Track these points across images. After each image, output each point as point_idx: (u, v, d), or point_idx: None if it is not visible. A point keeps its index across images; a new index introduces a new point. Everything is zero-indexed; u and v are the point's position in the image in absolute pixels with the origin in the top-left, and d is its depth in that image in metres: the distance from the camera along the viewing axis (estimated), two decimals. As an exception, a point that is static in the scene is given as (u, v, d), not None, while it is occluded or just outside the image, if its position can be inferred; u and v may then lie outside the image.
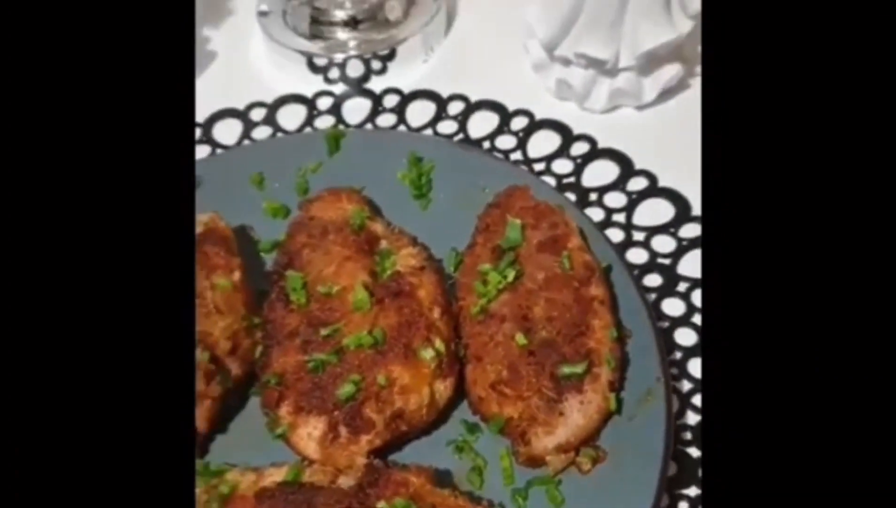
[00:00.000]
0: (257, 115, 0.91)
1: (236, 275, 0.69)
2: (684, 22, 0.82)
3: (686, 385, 0.68)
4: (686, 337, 0.71)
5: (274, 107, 0.92)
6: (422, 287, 0.67)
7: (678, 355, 0.70)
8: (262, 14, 0.97)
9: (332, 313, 0.65)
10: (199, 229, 0.71)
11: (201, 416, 0.63)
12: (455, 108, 0.91)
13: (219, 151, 0.87)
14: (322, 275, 0.67)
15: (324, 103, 0.92)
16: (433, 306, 0.66)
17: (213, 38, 1.01)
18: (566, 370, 0.61)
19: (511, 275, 0.66)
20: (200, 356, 0.63)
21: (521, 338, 0.63)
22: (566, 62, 0.86)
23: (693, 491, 0.63)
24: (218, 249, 0.69)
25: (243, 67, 0.98)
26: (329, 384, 0.62)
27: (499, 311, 0.65)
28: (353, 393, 0.61)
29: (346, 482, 0.57)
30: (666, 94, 0.88)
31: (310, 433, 0.61)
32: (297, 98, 0.93)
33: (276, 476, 0.58)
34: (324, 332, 0.64)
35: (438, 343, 0.63)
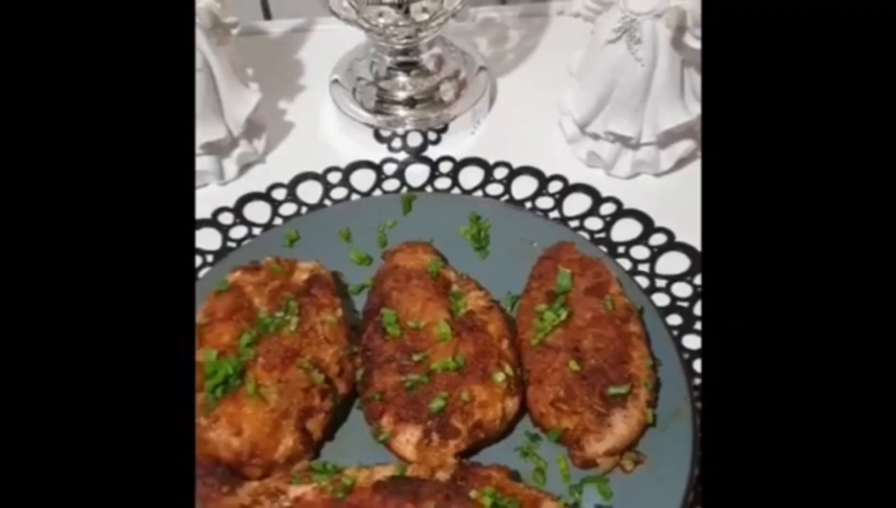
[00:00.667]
0: (334, 177, 1.07)
1: (339, 312, 0.84)
2: (695, 106, 0.99)
3: (704, 405, 0.84)
4: (702, 366, 0.87)
5: (348, 171, 1.08)
6: (491, 323, 0.82)
7: (697, 381, 0.86)
8: (335, 90, 1.13)
9: (421, 342, 0.81)
10: (305, 275, 0.87)
11: (317, 426, 0.78)
12: (500, 173, 1.07)
13: (303, 208, 1.04)
14: (410, 312, 0.83)
15: (389, 169, 1.08)
16: (502, 338, 0.82)
17: (289, 110, 1.17)
18: (613, 390, 0.76)
19: (563, 314, 0.82)
20: (317, 377, 0.79)
21: (573, 365, 0.78)
22: (596, 137, 1.03)
23: (712, 489, 0.78)
24: (324, 291, 0.85)
25: (318, 135, 1.14)
26: (423, 399, 0.77)
27: (554, 343, 0.81)
28: (443, 407, 0.76)
29: (442, 476, 0.72)
30: (680, 164, 1.05)
31: (408, 439, 0.76)
32: (367, 164, 1.09)
33: (384, 472, 0.74)
34: (416, 358, 0.79)
35: (507, 368, 0.79)
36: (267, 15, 1.33)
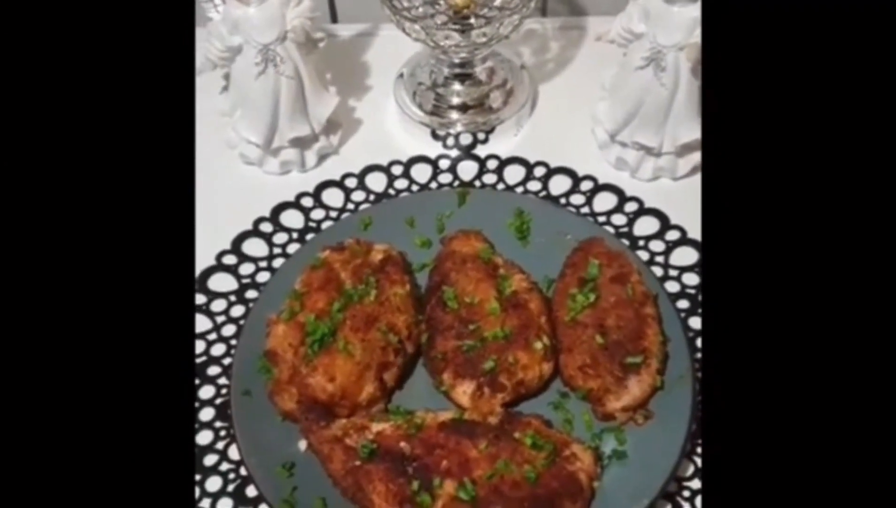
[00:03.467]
0: (396, 170, 1.25)
1: (407, 287, 1.03)
2: (709, 123, 1.17)
3: (703, 375, 1.03)
4: (703, 343, 1.06)
5: (408, 164, 1.26)
6: (532, 302, 1.01)
7: (700, 355, 1.05)
8: (398, 92, 1.30)
9: (475, 315, 0.99)
10: (380, 255, 1.05)
11: (391, 377, 0.97)
12: (539, 171, 1.24)
13: (371, 195, 1.22)
14: (465, 290, 1.01)
15: (444, 164, 1.26)
16: (540, 314, 1.00)
17: (357, 108, 1.35)
18: (630, 360, 0.95)
19: (592, 297, 1.00)
20: (391, 338, 0.97)
21: (598, 338, 0.97)
22: (623, 145, 1.21)
23: (706, 442, 0.97)
24: (395, 268, 1.04)
25: (383, 132, 1.32)
26: (476, 360, 0.96)
27: (583, 320, 0.99)
28: (493, 367, 0.95)
29: (492, 420, 0.92)
30: (694, 170, 1.23)
31: (464, 391, 0.95)
32: (425, 159, 1.27)
33: (447, 415, 0.93)
34: (471, 327, 0.98)
35: (545, 339, 0.98)
36: (334, 18, 1.51)
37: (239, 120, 1.20)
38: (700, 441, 0.97)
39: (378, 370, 0.96)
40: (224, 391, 1.02)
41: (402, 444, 0.89)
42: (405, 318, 1.00)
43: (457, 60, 1.24)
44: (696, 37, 1.08)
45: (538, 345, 0.97)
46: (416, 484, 0.86)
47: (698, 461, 0.96)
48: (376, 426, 0.91)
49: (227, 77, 1.21)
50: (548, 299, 1.04)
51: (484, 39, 1.16)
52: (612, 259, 1.03)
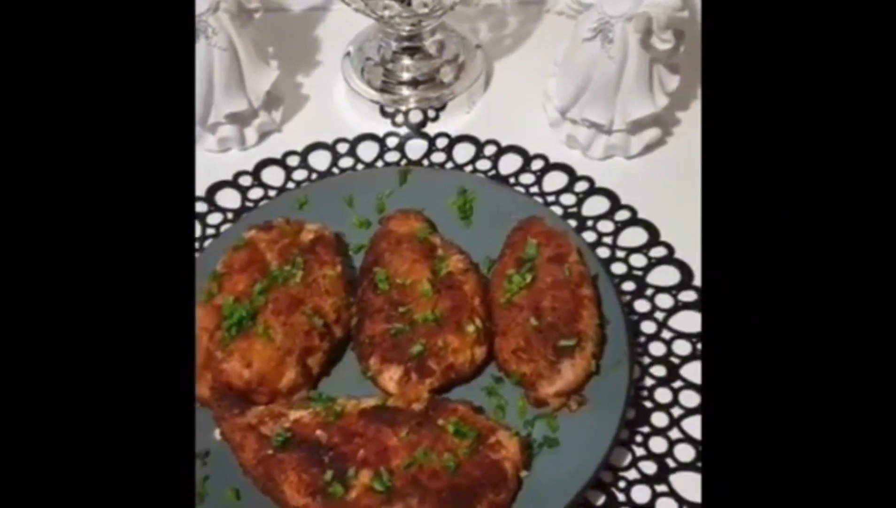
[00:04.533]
0: (342, 148, 1.21)
1: (338, 268, 0.99)
2: (662, 98, 1.12)
3: (646, 360, 0.98)
4: (648, 327, 1.01)
5: (354, 142, 1.22)
6: (467, 283, 0.97)
7: (642, 338, 1.00)
8: (346, 68, 1.26)
9: (406, 297, 0.95)
10: (311, 235, 1.01)
11: (315, 362, 0.93)
12: (489, 150, 1.20)
13: (313, 174, 1.18)
14: (398, 271, 0.97)
15: (391, 142, 1.22)
16: (475, 296, 0.96)
17: (304, 84, 1.30)
18: (563, 343, 0.90)
19: (528, 278, 0.95)
20: (317, 322, 0.93)
21: (533, 321, 0.92)
22: (574, 122, 1.16)
23: (645, 429, 0.93)
24: (326, 249, 1.00)
25: (329, 108, 1.27)
26: (405, 344, 0.92)
27: (519, 302, 0.95)
28: (421, 351, 0.91)
29: (416, 407, 0.88)
30: (647, 149, 1.18)
31: (391, 376, 0.91)
32: (372, 136, 1.22)
33: (369, 402, 0.89)
34: (401, 310, 0.94)
35: (478, 322, 0.94)
36: (289, -7, 1.46)
37: (175, 96, 1.15)
38: (639, 429, 0.93)
39: (301, 356, 0.92)
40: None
41: (319, 432, 0.85)
42: (334, 301, 0.96)
43: (403, 33, 1.20)
44: (644, 6, 1.03)
45: (470, 328, 0.93)
46: (329, 474, 0.82)
47: (637, 450, 0.92)
48: (294, 414, 0.87)
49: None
50: (485, 281, 1.00)
51: (426, 10, 1.11)
52: (551, 239, 0.99)
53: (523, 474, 0.85)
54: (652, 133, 1.16)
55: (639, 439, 0.93)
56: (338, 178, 1.14)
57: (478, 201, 1.08)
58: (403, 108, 1.22)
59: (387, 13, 1.11)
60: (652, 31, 1.04)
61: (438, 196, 1.08)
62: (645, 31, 1.04)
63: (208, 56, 1.10)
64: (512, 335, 0.93)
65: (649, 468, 0.91)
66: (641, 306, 1.03)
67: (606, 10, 1.05)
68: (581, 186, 1.15)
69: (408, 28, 1.18)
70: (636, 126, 1.14)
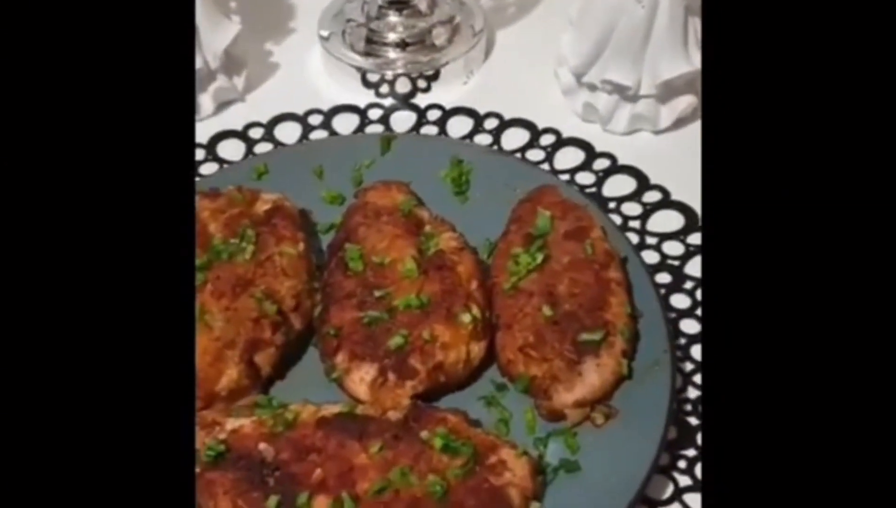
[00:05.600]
0: (315, 120, 1.02)
1: (301, 246, 0.79)
2: (699, 58, 0.93)
3: (689, 366, 0.78)
4: (690, 327, 0.81)
5: (330, 114, 1.03)
6: (461, 264, 0.77)
7: (683, 341, 0.80)
8: (323, 35, 1.08)
9: (385, 279, 0.75)
10: (267, 205, 0.81)
11: (266, 360, 0.73)
12: (490, 123, 1.01)
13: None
14: (376, 248, 0.77)
15: (374, 114, 1.03)
16: (471, 279, 0.76)
17: (275, 52, 1.12)
18: (585, 336, 0.70)
19: (539, 258, 0.76)
20: (269, 308, 0.73)
21: (546, 310, 0.72)
22: (592, 88, 0.97)
23: (691, 453, 0.72)
24: (286, 222, 0.80)
25: (303, 79, 1.08)
26: (381, 336, 0.71)
27: (528, 288, 0.75)
28: (402, 344, 0.71)
29: (393, 415, 0.67)
30: (680, 122, 0.99)
31: (362, 377, 0.71)
32: (351, 108, 1.03)
33: (332, 410, 0.68)
34: (377, 294, 0.74)
35: (475, 310, 0.73)
36: (263, -40, 1.28)
37: (116, 51, 0.96)
38: (683, 453, 0.72)
39: (246, 350, 0.71)
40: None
41: (263, 446, 0.64)
42: (293, 284, 0.76)
43: (389, -20, 1.01)
44: (681, -64, 0.85)
45: (465, 317, 0.72)
46: (273, 501, 0.61)
47: (680, 479, 0.71)
48: (232, 423, 0.66)
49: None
50: (484, 265, 0.79)
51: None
52: (568, 211, 0.79)
53: (534, 506, 0.64)
54: (686, 101, 0.97)
55: (682, 465, 0.72)
56: (305, 144, 0.95)
57: (475, 172, 0.88)
58: (389, 73, 1.03)
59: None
60: (690, -33, 0.86)
61: (428, 167, 0.89)
62: (682, -33, 0.86)
63: (155, 0, 0.91)
64: (518, 329, 0.73)
65: (695, 501, 0.70)
66: (679, 301, 0.83)
67: (634, -56, 0.87)
68: (601, 164, 0.96)
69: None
70: (668, 91, 0.95)
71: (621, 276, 0.75)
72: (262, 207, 0.81)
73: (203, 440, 0.65)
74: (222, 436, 0.65)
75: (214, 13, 0.97)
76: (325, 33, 1.08)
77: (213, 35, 0.97)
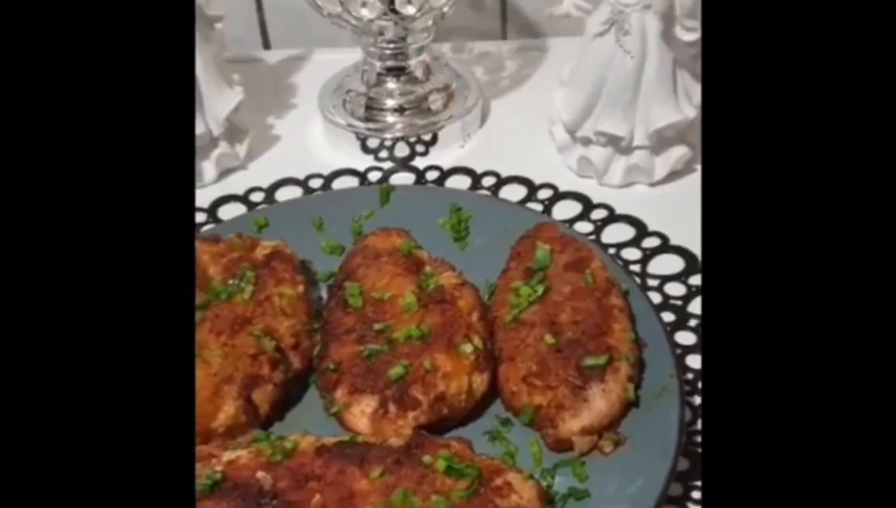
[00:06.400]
0: (315, 183, 1.04)
1: (300, 288, 0.79)
2: (689, 109, 0.95)
3: (697, 400, 0.76)
4: (697, 362, 0.79)
5: (330, 178, 1.04)
6: (462, 298, 0.76)
7: (690, 376, 0.78)
8: (324, 101, 1.11)
9: (385, 314, 0.74)
10: (266, 250, 0.81)
11: (264, 398, 0.71)
12: (488, 181, 1.02)
13: (280, 210, 0.99)
14: (375, 285, 0.77)
15: (374, 176, 1.04)
16: (472, 311, 0.75)
17: (276, 125, 1.14)
18: (590, 361, 0.69)
19: (540, 290, 0.75)
20: (267, 345, 0.72)
21: (549, 338, 0.71)
22: (587, 142, 0.99)
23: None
24: (285, 265, 0.79)
25: (304, 147, 1.10)
26: (381, 367, 0.70)
27: (529, 319, 0.74)
28: (403, 375, 0.69)
29: (395, 443, 0.65)
30: (674, 174, 1.00)
31: (363, 410, 0.69)
32: (351, 171, 1.05)
33: (332, 440, 0.66)
34: (377, 327, 0.73)
35: (476, 340, 0.72)
36: (266, 45, 1.34)
37: (121, 119, 0.99)
38: (695, 483, 0.69)
39: (244, 387, 0.70)
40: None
41: (260, 474, 0.62)
42: (292, 324, 0.75)
43: (388, 52, 1.05)
44: (665, -11, 0.88)
45: (467, 348, 0.71)
46: (270, 527, 0.58)
47: (694, 509, 0.68)
48: (229, 455, 0.64)
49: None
50: (484, 303, 0.79)
51: (412, 10, 0.96)
52: (567, 244, 0.79)
53: (543, 532, 0.61)
54: (679, 152, 0.98)
55: (696, 495, 0.69)
56: (305, 198, 0.96)
57: (474, 219, 0.89)
58: (388, 136, 1.06)
59: (365, 14, 0.96)
60: (674, 19, 0.89)
61: (427, 216, 0.89)
62: (666, 18, 0.89)
63: (159, 67, 0.95)
64: (521, 359, 0.71)
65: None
66: (684, 338, 0.82)
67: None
68: (599, 214, 0.97)
69: (392, 45, 1.04)
70: (660, 142, 0.97)
71: (622, 302, 0.74)
72: (261, 252, 0.81)
73: (199, 472, 0.62)
74: (218, 468, 0.63)
75: (217, 81, 1.00)
76: (325, 104, 1.10)
77: (216, 102, 1.00)
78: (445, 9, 0.99)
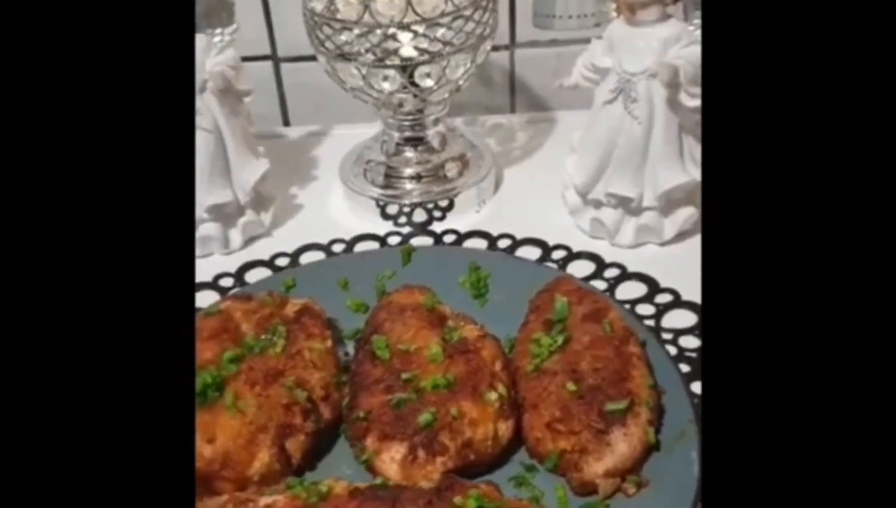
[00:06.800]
0: (338, 248, 1.08)
1: (328, 342, 0.82)
2: (695, 170, 1.00)
3: (715, 446, 0.78)
4: (713, 411, 0.82)
5: (352, 242, 1.08)
6: (484, 349, 0.79)
7: (706, 423, 0.80)
8: (344, 171, 1.16)
9: (411, 364, 0.77)
10: (296, 307, 0.85)
11: (296, 447, 0.74)
12: (503, 243, 1.06)
13: (303, 274, 1.03)
14: (402, 338, 0.80)
15: (393, 240, 1.08)
16: (495, 361, 0.78)
17: (298, 194, 1.19)
18: (611, 406, 0.72)
19: (560, 339, 0.78)
20: (299, 395, 0.75)
21: (571, 386, 0.74)
22: (598, 204, 1.03)
23: (726, 525, 0.71)
24: (314, 321, 0.83)
25: (325, 215, 1.15)
26: (409, 415, 0.72)
27: (551, 368, 0.77)
28: (431, 421, 0.72)
29: (425, 485, 0.67)
30: (683, 234, 1.04)
31: (392, 457, 0.71)
32: (372, 236, 1.09)
33: (365, 484, 0.68)
34: (404, 377, 0.76)
35: (501, 388, 0.75)
36: (286, 122, 1.40)
37: (152, 189, 1.03)
38: None
39: (278, 435, 0.72)
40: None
41: (297, 515, 0.64)
42: (322, 376, 0.78)
43: (406, 123, 1.10)
44: (669, 57, 0.94)
45: (492, 395, 0.74)
46: (308, 565, 0.60)
47: (718, 552, 0.69)
48: (266, 500, 0.66)
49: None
50: (506, 354, 0.82)
51: (431, 82, 1.02)
52: (584, 296, 0.82)
53: (572, 571, 0.63)
54: (686, 213, 1.02)
55: None
56: (330, 260, 1.00)
57: (493, 277, 0.93)
58: (407, 201, 1.10)
59: (387, 87, 1.02)
60: (679, 85, 0.94)
61: (448, 275, 0.93)
62: (671, 84, 0.94)
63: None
64: (544, 406, 0.74)
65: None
66: (699, 387, 0.84)
67: (627, 68, 0.96)
68: (611, 273, 1.00)
69: (410, 117, 1.09)
70: (669, 203, 1.01)
71: (640, 351, 0.77)
72: (291, 308, 0.84)
73: (236, 516, 0.64)
74: (256, 511, 0.65)
75: (245, 151, 1.05)
76: (346, 174, 1.15)
77: (243, 171, 1.05)
78: (461, 81, 1.05)
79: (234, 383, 0.74)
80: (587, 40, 1.02)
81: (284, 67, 1.37)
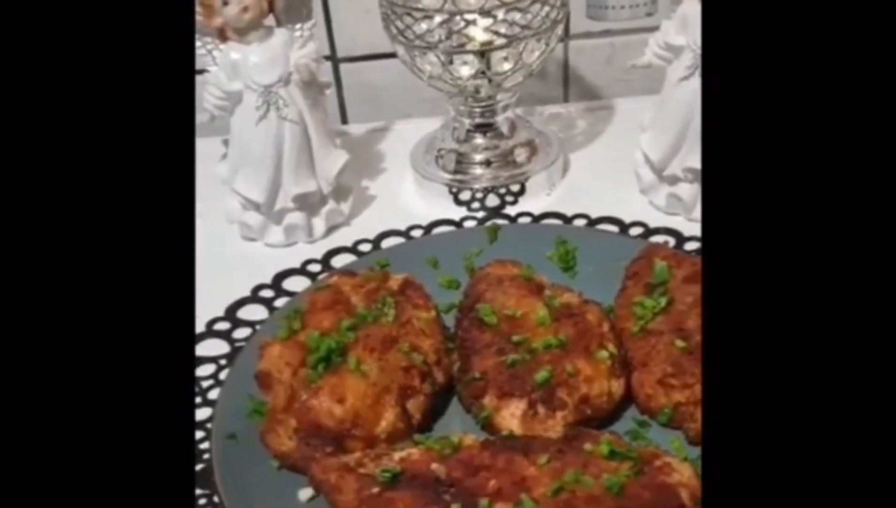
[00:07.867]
0: (416, 233, 1.10)
1: (433, 313, 0.84)
2: (769, 143, 1.03)
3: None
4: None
5: (429, 228, 1.11)
6: (589, 313, 0.81)
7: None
8: (415, 159, 1.19)
9: (519, 328, 0.80)
10: (399, 281, 0.88)
11: (416, 407, 0.76)
12: (579, 222, 1.09)
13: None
14: (506, 305, 0.83)
15: (469, 224, 1.11)
16: (601, 323, 0.80)
17: (371, 186, 1.22)
18: (723, 358, 0.74)
19: (663, 302, 0.80)
20: (416, 358, 0.77)
21: (679, 343, 0.76)
22: (674, 181, 1.06)
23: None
24: (418, 293, 0.86)
25: (400, 204, 1.18)
26: (525, 374, 0.75)
27: (656, 328, 0.79)
28: (548, 378, 0.74)
29: (553, 435, 0.69)
30: (759, 206, 1.07)
31: (512, 413, 0.73)
32: (448, 221, 1.12)
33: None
34: (515, 339, 0.78)
35: (611, 347, 0.77)
36: (344, 120, 1.43)
37: (239, 181, 1.07)
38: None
39: (400, 396, 0.75)
40: (206, 455, 0.80)
41: (435, 465, 0.66)
42: (432, 342, 0.81)
43: (478, 110, 1.13)
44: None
45: (603, 354, 0.76)
46: (456, 508, 0.62)
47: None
48: (400, 453, 0.69)
49: (226, 144, 1.10)
50: (608, 316, 0.84)
51: (508, 66, 1.05)
52: (682, 261, 0.85)
53: (703, 511, 0.65)
54: (761, 185, 1.05)
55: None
56: (418, 240, 1.02)
57: (580, 250, 0.95)
58: (478, 186, 1.13)
59: (465, 71, 1.05)
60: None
61: (534, 250, 0.96)
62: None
63: (279, 130, 1.03)
64: (655, 364, 0.76)
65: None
66: (794, 346, 0.86)
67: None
68: (693, 245, 1.02)
69: (482, 104, 1.12)
70: (743, 176, 1.03)
71: (745, 308, 0.79)
72: (394, 282, 0.87)
73: (373, 469, 0.67)
74: (392, 464, 0.67)
75: (326, 142, 1.08)
76: (418, 162, 1.18)
77: (326, 162, 1.08)
78: (535, 65, 1.08)
79: (355, 348, 0.77)
80: (640, 30, 1.05)
81: (343, 67, 1.41)
